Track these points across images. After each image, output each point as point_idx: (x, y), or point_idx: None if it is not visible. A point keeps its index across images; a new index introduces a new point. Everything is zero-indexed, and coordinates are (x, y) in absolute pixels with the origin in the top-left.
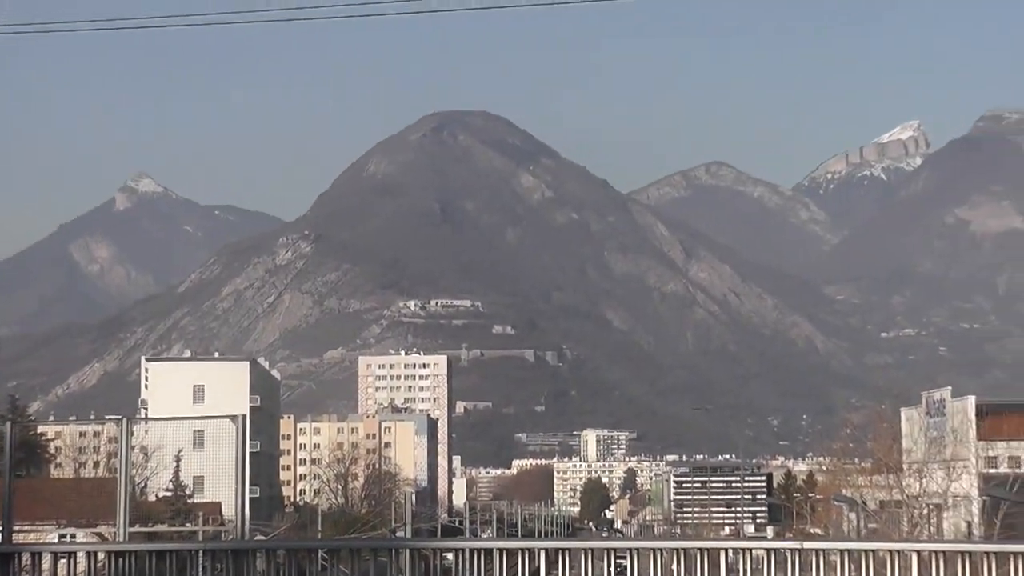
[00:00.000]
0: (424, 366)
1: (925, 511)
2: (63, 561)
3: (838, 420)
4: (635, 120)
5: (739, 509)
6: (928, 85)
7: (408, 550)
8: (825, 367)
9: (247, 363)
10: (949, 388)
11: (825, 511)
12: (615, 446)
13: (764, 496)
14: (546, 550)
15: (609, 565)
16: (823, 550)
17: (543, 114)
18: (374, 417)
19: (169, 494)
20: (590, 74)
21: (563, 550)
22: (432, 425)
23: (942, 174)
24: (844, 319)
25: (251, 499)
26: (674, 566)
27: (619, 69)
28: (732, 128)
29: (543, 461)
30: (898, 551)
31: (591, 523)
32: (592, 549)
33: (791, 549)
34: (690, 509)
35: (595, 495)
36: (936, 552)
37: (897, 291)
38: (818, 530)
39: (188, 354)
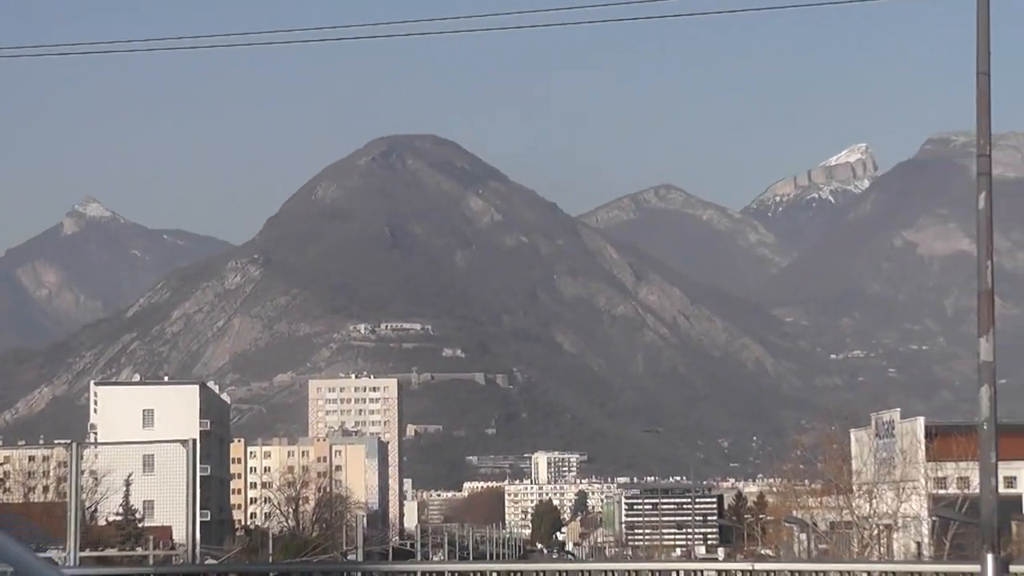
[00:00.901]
0: (374, 389)
1: (875, 532)
2: None
3: (788, 442)
4: (583, 143)
5: (690, 530)
6: (875, 108)
7: (359, 573)
8: (775, 389)
9: (196, 387)
10: (898, 409)
11: (776, 532)
12: (566, 468)
13: (715, 518)
14: (497, 572)
15: None
16: (774, 571)
17: (491, 138)
18: (325, 440)
19: (119, 518)
20: (538, 98)
21: (514, 572)
22: (383, 448)
23: (889, 196)
24: (793, 341)
25: (202, 523)
26: None
27: (567, 93)
28: (680, 151)
29: (494, 484)
30: (849, 572)
31: (542, 546)
32: (543, 571)
33: (742, 571)
34: (641, 531)
35: (546, 517)
36: (886, 572)
37: (846, 313)
38: (769, 551)
39: (137, 378)
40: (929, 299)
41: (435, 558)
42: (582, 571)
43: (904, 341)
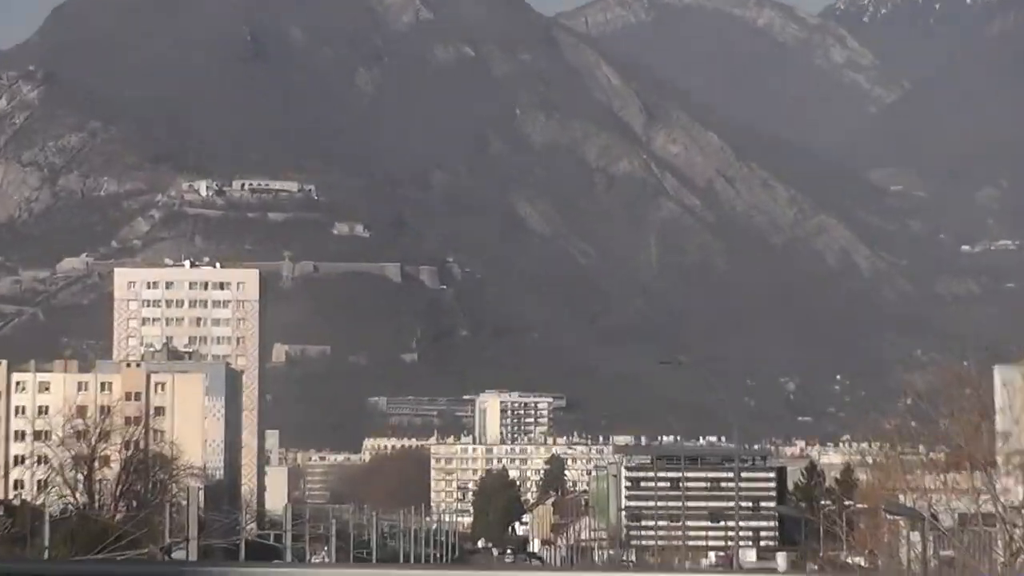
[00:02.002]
0: (222, 286)
1: None
2: None
3: (893, 384)
4: None
5: (733, 525)
6: None
7: None
8: (872, 299)
9: None
10: None
11: (873, 529)
12: (531, 420)
13: (773, 504)
14: None
15: None
16: None
17: None
18: (139, 366)
19: None
20: None
21: None
22: (233, 381)
23: None
24: (902, 222)
25: None
26: None
27: None
28: None
29: (414, 442)
30: None
31: (491, 544)
32: None
33: None
34: (652, 523)
35: (498, 498)
36: None
37: (987, 179)
38: (861, 560)
39: None
40: None
41: (315, 559)
42: None
43: None
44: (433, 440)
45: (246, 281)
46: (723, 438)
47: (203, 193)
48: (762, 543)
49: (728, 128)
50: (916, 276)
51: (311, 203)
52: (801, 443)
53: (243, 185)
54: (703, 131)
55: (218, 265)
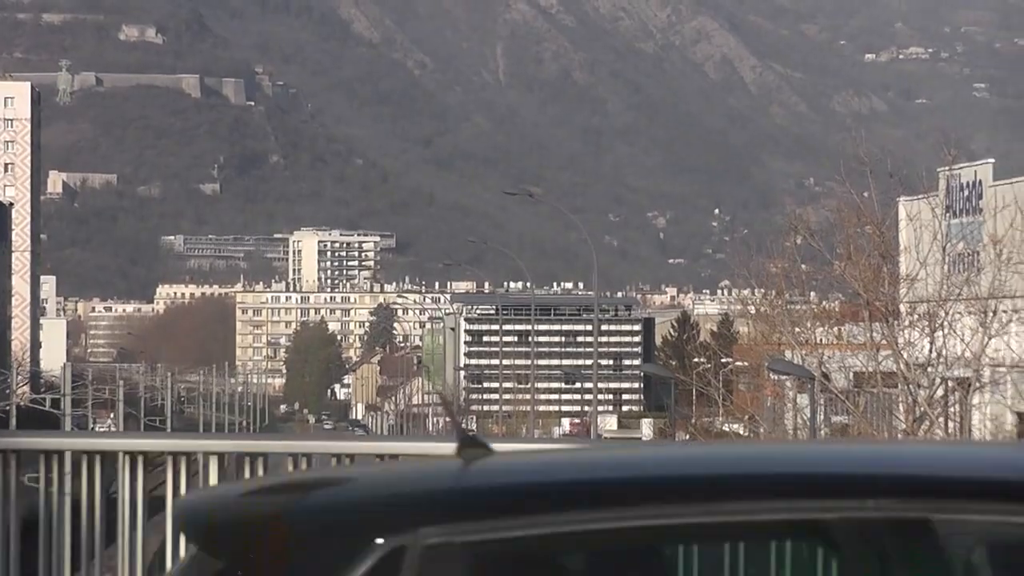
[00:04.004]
0: None
1: (940, 393)
2: None
3: (780, 216)
4: None
5: (590, 387)
6: None
7: None
8: (758, 118)
9: None
10: (991, 161)
11: (754, 391)
12: (355, 263)
13: (638, 363)
14: (218, 456)
15: None
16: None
17: None
18: None
19: None
20: None
21: (247, 456)
22: (1, 216)
23: None
24: (794, 23)
25: None
26: None
27: None
28: None
29: (216, 289)
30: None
31: (307, 411)
32: (304, 455)
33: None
34: (495, 383)
35: (315, 354)
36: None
37: None
38: (740, 428)
39: None
40: None
41: (99, 427)
42: (380, 455)
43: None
44: (239, 287)
45: (15, 96)
46: (580, 284)
47: None
48: (624, 407)
49: None
50: (810, 90)
51: (94, 2)
52: (672, 290)
53: None
54: None
55: None
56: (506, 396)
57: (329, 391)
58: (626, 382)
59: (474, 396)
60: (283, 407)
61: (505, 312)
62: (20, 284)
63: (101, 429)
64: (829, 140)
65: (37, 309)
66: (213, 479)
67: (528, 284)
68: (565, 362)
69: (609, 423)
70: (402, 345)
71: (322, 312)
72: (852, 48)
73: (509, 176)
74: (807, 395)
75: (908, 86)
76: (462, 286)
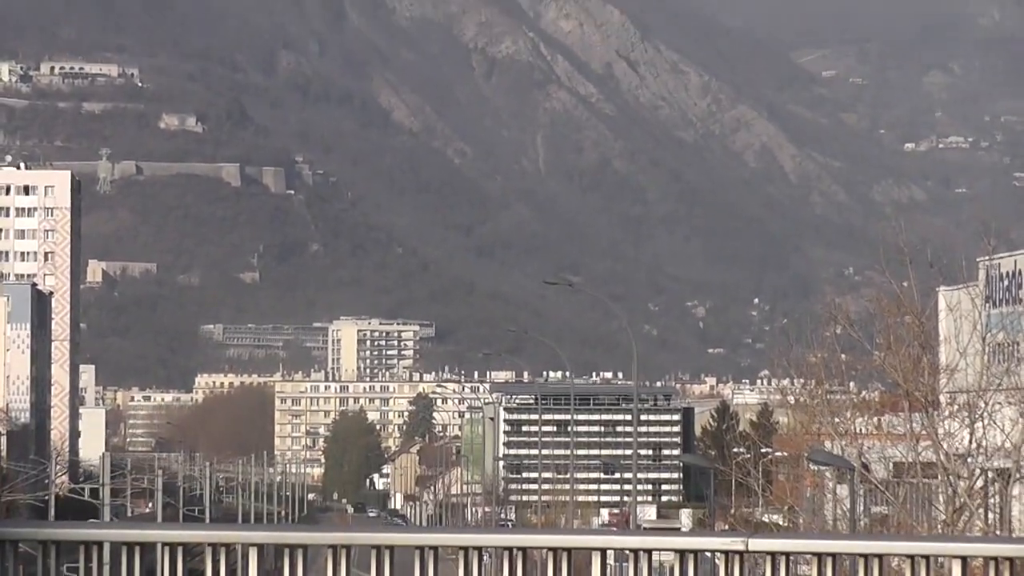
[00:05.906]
0: (27, 191)
1: (979, 484)
2: None
3: (820, 307)
4: None
5: (630, 477)
6: None
7: None
8: (798, 207)
9: None
10: None
11: (794, 481)
12: (394, 352)
13: (677, 452)
14: (256, 547)
15: None
16: (785, 554)
17: None
18: None
19: None
20: None
21: (286, 548)
22: (41, 306)
23: None
24: (833, 112)
25: None
26: None
27: None
28: None
29: (255, 378)
30: (927, 557)
31: (345, 501)
32: (345, 547)
33: (728, 552)
34: (535, 475)
35: (354, 445)
36: (1000, 559)
37: (936, 63)
38: (779, 518)
39: None
40: None
41: (140, 513)
42: (421, 547)
43: None
44: (278, 376)
45: (56, 184)
46: (620, 374)
47: (5, 78)
48: (664, 498)
49: (631, 1)
50: (850, 179)
51: (134, 91)
52: (711, 380)
53: (53, 68)
54: (601, 5)
55: (23, 165)
56: (545, 486)
57: (368, 480)
58: (665, 472)
59: (513, 486)
60: (320, 499)
61: (544, 402)
62: (60, 373)
63: (140, 514)
64: (869, 229)
65: (76, 398)
66: (252, 571)
67: (567, 373)
68: (604, 452)
69: (648, 513)
70: (441, 435)
71: (361, 401)
72: (892, 137)
73: (549, 264)
74: (847, 485)
75: (948, 175)
76: (501, 375)
